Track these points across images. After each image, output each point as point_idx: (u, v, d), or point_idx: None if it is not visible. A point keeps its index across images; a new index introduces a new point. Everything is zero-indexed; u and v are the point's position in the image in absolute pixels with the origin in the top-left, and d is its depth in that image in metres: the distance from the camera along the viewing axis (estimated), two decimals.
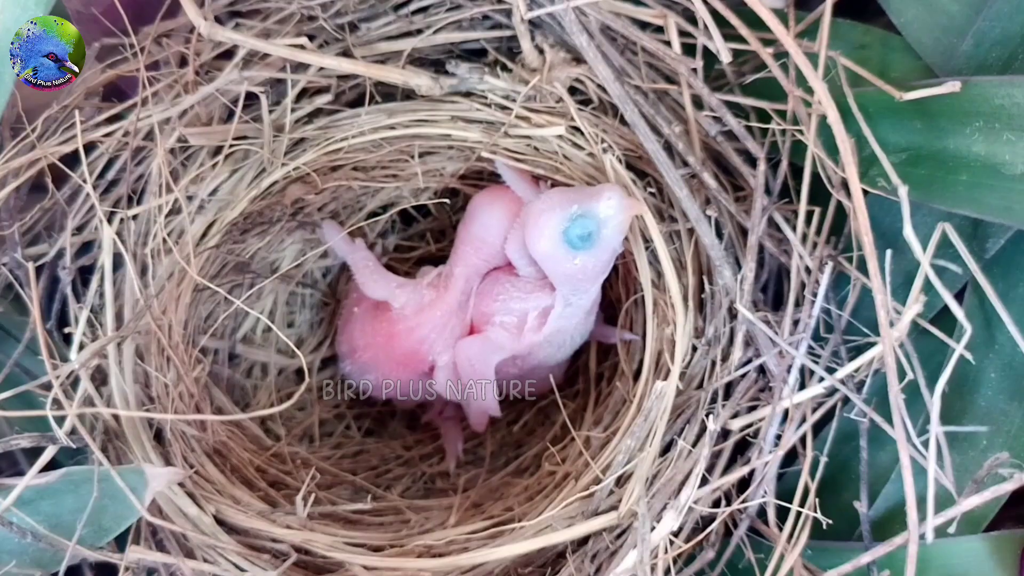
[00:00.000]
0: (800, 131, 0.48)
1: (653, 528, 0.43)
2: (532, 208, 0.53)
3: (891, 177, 0.33)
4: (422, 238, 0.73)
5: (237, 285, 0.62)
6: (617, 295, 0.63)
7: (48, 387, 0.46)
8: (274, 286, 0.66)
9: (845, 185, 0.45)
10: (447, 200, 0.64)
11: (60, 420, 0.45)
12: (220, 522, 0.49)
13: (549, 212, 0.51)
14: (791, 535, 0.45)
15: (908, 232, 0.30)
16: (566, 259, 0.52)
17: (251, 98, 0.53)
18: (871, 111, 0.46)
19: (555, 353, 0.59)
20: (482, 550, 0.47)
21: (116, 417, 0.49)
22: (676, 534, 0.45)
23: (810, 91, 0.46)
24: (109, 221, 0.50)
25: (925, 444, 0.42)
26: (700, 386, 0.51)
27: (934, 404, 0.32)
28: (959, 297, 0.46)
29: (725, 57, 0.49)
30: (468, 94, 0.57)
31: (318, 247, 0.66)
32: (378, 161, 0.60)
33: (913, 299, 0.41)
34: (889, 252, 0.43)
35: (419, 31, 0.56)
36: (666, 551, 0.44)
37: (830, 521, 0.44)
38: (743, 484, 0.49)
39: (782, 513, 0.47)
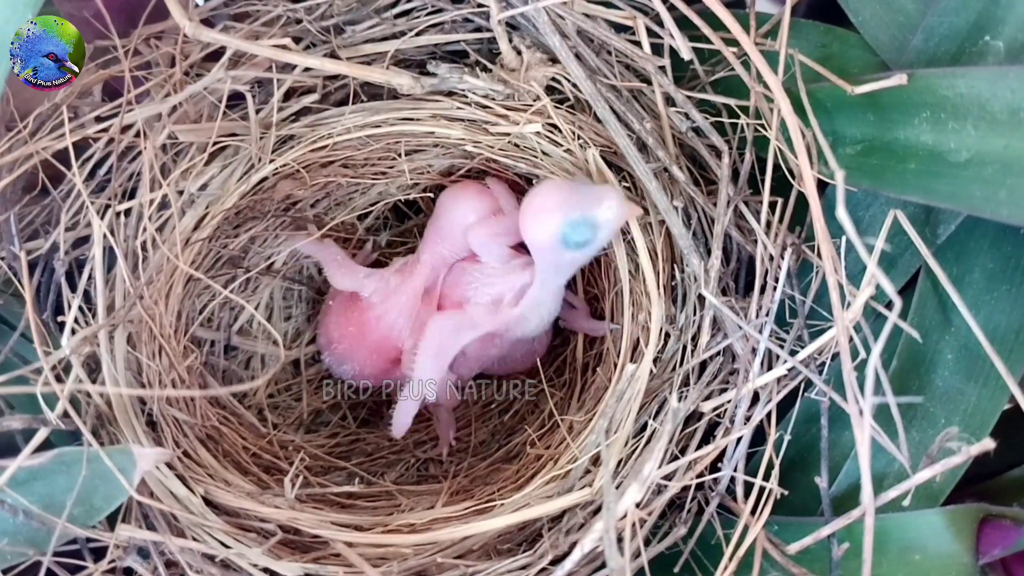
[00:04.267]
0: (762, 126, 0.51)
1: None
2: (532, 201, 0.53)
3: (829, 161, 0.35)
4: (412, 234, 0.75)
5: (231, 279, 0.64)
6: (602, 290, 0.66)
7: (41, 372, 0.47)
8: (269, 281, 0.69)
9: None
10: (433, 195, 0.67)
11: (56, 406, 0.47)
12: (209, 503, 0.51)
13: (550, 212, 0.52)
14: (755, 509, 0.47)
15: (841, 213, 0.32)
16: (559, 254, 0.54)
17: (241, 97, 0.55)
18: (828, 105, 0.48)
19: (531, 326, 0.61)
20: (461, 526, 0.49)
21: (108, 403, 0.51)
22: (644, 509, 0.47)
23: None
24: (103, 216, 0.52)
25: (882, 422, 0.44)
26: (673, 370, 0.53)
27: (869, 370, 0.34)
28: (912, 281, 0.48)
29: (686, 54, 0.51)
30: (450, 93, 0.59)
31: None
32: (366, 158, 0.63)
33: (866, 282, 0.43)
34: (844, 237, 0.45)
35: (402, 33, 0.58)
36: (634, 523, 0.45)
37: (786, 492, 0.46)
38: (717, 468, 0.51)
39: (751, 493, 0.49)
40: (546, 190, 0.53)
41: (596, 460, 0.51)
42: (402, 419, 0.60)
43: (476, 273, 0.61)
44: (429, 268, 0.62)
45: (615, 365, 0.58)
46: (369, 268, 0.65)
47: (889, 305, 0.48)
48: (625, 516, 0.44)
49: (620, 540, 0.46)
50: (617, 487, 0.49)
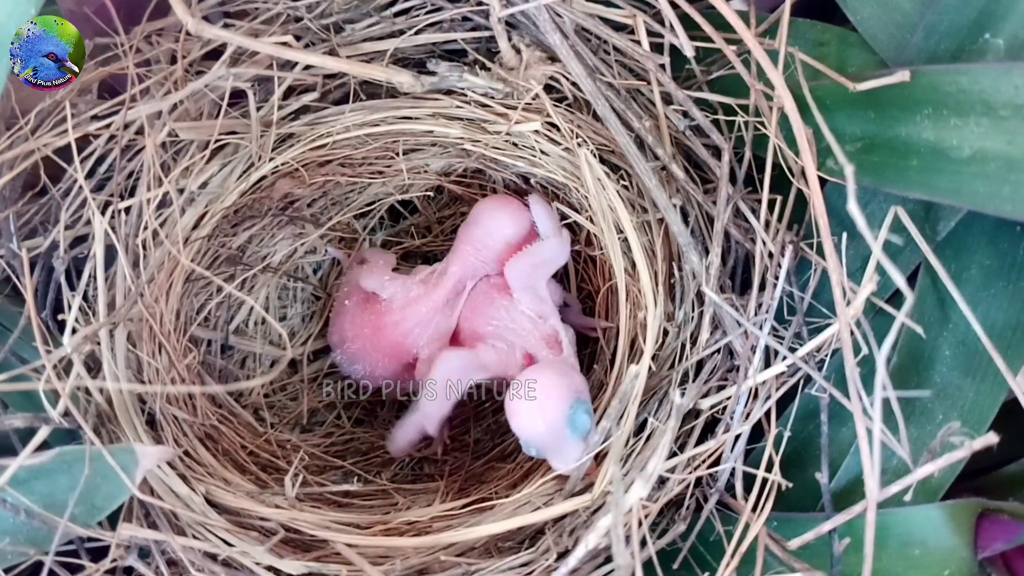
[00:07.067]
0: (762, 123, 0.51)
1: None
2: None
3: (839, 158, 0.36)
4: (407, 234, 0.75)
5: (229, 277, 0.64)
6: (596, 287, 0.66)
7: (42, 370, 0.47)
8: (266, 280, 0.69)
9: (804, 173, 0.48)
10: (431, 195, 0.67)
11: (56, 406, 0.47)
12: (210, 502, 0.51)
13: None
14: (756, 505, 0.47)
15: (852, 206, 0.32)
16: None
17: (241, 95, 0.55)
18: (828, 103, 0.49)
19: None
20: (463, 528, 0.49)
21: (109, 401, 0.51)
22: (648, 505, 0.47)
23: (771, 86, 0.48)
24: (103, 213, 0.52)
25: (882, 417, 0.44)
26: (672, 367, 0.53)
27: (878, 368, 0.34)
28: (913, 278, 0.49)
29: (689, 52, 0.51)
30: (449, 92, 0.59)
31: (308, 243, 0.68)
32: (364, 158, 0.63)
33: (867, 278, 0.43)
34: (844, 234, 0.45)
35: (401, 32, 0.58)
36: (638, 520, 0.45)
37: (790, 484, 0.46)
38: (716, 465, 0.51)
39: (750, 490, 0.49)
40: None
41: (596, 459, 0.51)
42: (399, 441, 0.62)
43: (502, 311, 0.60)
44: (455, 280, 0.61)
45: (610, 362, 0.58)
46: (393, 273, 0.65)
47: (891, 300, 0.48)
48: (630, 512, 0.44)
49: (627, 537, 0.46)
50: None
